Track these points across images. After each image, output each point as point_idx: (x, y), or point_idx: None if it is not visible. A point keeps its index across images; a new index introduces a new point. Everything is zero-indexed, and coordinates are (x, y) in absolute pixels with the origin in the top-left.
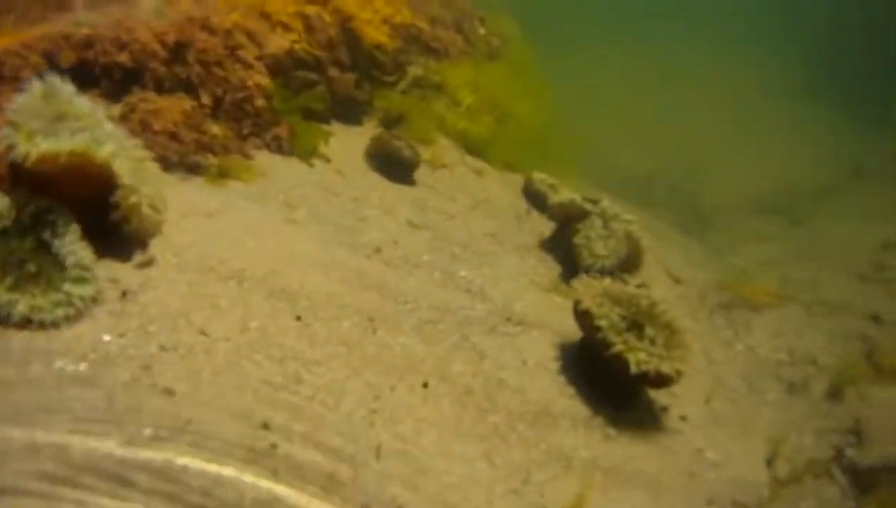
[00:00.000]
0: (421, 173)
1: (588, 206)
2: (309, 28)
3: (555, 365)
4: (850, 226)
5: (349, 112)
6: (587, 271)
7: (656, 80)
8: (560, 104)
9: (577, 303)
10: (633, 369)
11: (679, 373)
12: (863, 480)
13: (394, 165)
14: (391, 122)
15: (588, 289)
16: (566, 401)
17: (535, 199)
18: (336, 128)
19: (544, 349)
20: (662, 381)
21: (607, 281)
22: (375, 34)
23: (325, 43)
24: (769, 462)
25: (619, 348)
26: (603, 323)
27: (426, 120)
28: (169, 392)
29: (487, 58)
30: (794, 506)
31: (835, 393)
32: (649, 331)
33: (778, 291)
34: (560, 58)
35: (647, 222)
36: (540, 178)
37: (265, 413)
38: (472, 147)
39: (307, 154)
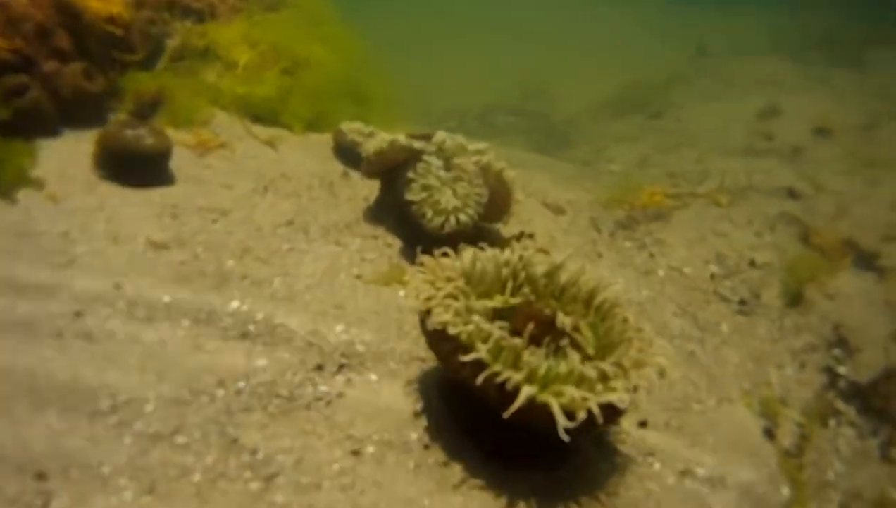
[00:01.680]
0: (180, 166)
1: (418, 144)
2: (7, 19)
3: (414, 453)
4: (712, 105)
5: (83, 112)
6: (437, 237)
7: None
8: (373, 48)
9: (423, 316)
10: (562, 422)
11: (635, 389)
12: (872, 399)
13: (133, 165)
14: (145, 109)
15: (437, 279)
16: None
17: (352, 156)
18: (65, 137)
19: (389, 420)
20: (612, 417)
21: (468, 254)
22: (103, 6)
23: (32, 33)
24: (769, 434)
25: (525, 394)
26: (481, 352)
27: (192, 96)
28: None
29: (268, 10)
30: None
31: (794, 299)
32: (567, 322)
33: (672, 188)
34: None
35: (499, 152)
36: (352, 128)
37: None
38: (260, 113)
39: (9, 185)
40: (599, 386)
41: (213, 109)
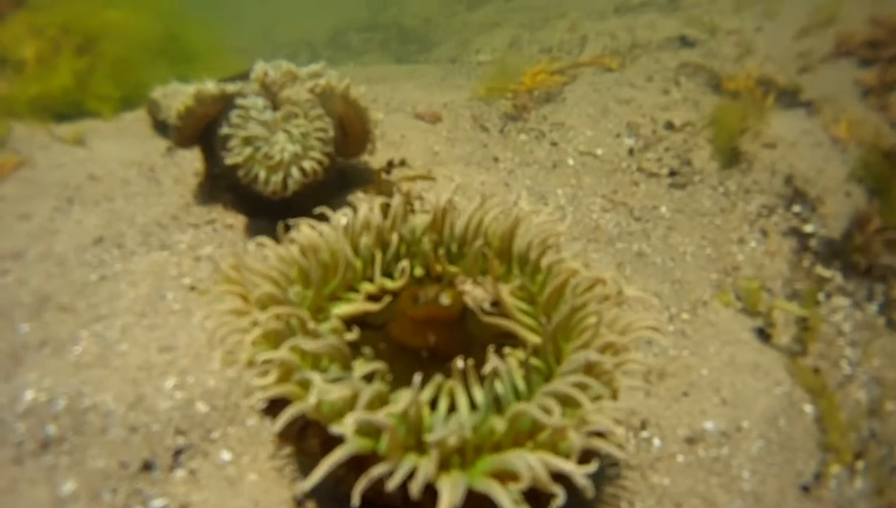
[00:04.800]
0: None
1: (232, 87)
2: None
3: None
4: None
5: None
6: (284, 200)
7: None
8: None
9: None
10: None
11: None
12: (853, 256)
13: None
14: None
15: (244, 301)
16: None
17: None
18: None
19: None
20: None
21: (303, 233)
22: None
23: None
24: (763, 334)
25: (447, 495)
26: (350, 443)
27: None
28: None
29: None
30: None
31: (731, 158)
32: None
33: (554, 63)
34: None
35: (355, 73)
36: (167, 92)
37: None
38: (62, 108)
39: None
40: (569, 422)
41: (7, 123)
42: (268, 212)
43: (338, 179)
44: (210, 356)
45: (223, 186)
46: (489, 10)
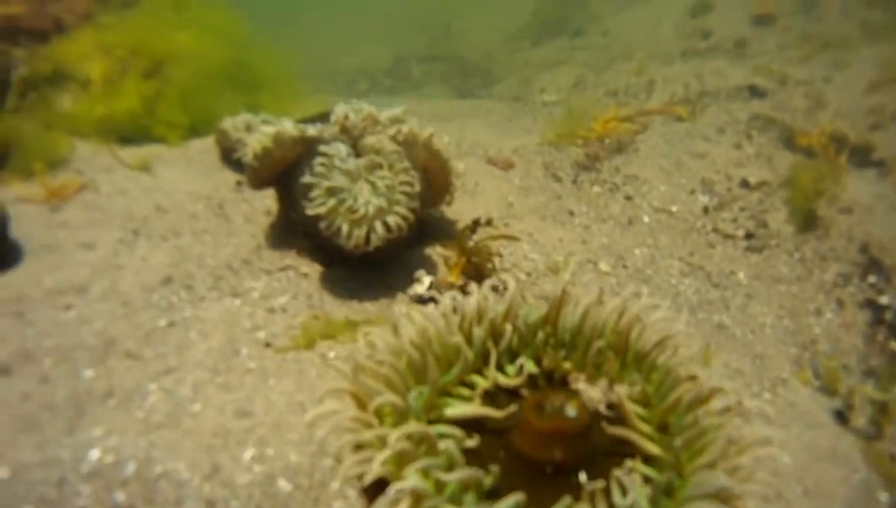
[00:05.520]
0: (29, 231)
1: (312, 130)
2: None
3: None
4: (635, 11)
5: None
6: (365, 255)
7: None
8: (256, 23)
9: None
10: None
11: None
12: None
13: None
14: None
15: (366, 410)
16: None
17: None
18: None
19: None
20: None
21: (410, 327)
22: None
23: None
24: (841, 417)
25: None
26: None
27: (44, 134)
28: None
29: (123, 7)
30: None
31: (807, 222)
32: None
33: (622, 109)
34: None
35: (421, 109)
36: (237, 123)
37: None
38: (127, 131)
39: None
40: None
41: (71, 142)
42: (344, 262)
43: (415, 230)
44: (292, 425)
45: (299, 231)
46: (552, 48)
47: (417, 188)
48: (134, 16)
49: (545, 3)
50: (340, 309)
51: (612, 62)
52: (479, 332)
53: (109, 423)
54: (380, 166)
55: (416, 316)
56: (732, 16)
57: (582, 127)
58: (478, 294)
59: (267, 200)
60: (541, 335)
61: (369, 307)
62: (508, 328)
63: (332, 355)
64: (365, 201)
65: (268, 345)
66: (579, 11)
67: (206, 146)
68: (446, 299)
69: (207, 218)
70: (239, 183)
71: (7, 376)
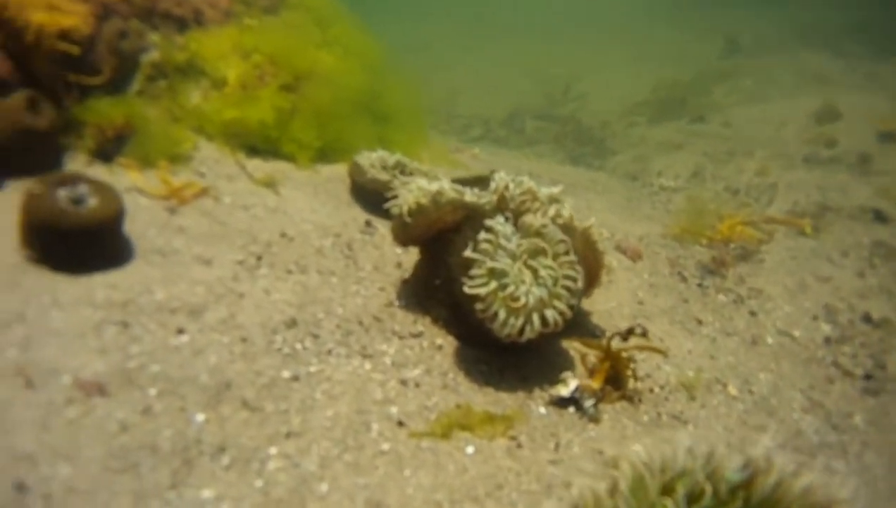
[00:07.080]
0: (143, 229)
1: (471, 197)
2: None
3: None
4: (759, 106)
5: (27, 155)
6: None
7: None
8: (389, 53)
9: None
10: None
11: None
12: None
13: (68, 241)
14: (109, 147)
15: None
16: None
17: (375, 197)
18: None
19: None
20: None
21: (627, 468)
22: (52, 18)
23: None
24: None
25: None
26: None
27: (170, 124)
28: None
29: (265, 12)
30: None
31: None
32: None
33: (746, 213)
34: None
35: (536, 168)
36: (373, 160)
37: None
38: (255, 142)
39: None
40: None
41: (195, 140)
42: (483, 342)
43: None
44: None
45: (439, 298)
46: (670, 129)
47: (580, 285)
48: (276, 22)
49: (665, 81)
50: (476, 395)
51: (731, 156)
52: (681, 489)
53: (223, 486)
54: (543, 253)
55: (629, 465)
56: (858, 128)
57: (706, 225)
58: (685, 447)
59: (398, 250)
60: (739, 500)
61: (506, 399)
62: (709, 487)
63: (470, 450)
64: (526, 291)
65: (401, 424)
66: (700, 97)
67: (335, 174)
68: (654, 451)
69: (335, 257)
70: (368, 224)
71: (104, 396)
